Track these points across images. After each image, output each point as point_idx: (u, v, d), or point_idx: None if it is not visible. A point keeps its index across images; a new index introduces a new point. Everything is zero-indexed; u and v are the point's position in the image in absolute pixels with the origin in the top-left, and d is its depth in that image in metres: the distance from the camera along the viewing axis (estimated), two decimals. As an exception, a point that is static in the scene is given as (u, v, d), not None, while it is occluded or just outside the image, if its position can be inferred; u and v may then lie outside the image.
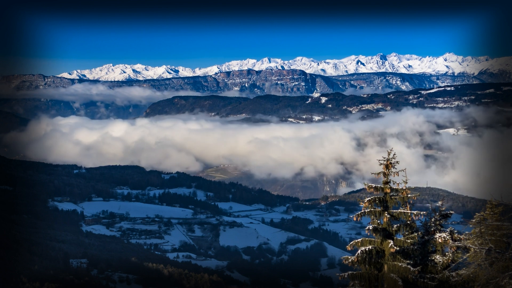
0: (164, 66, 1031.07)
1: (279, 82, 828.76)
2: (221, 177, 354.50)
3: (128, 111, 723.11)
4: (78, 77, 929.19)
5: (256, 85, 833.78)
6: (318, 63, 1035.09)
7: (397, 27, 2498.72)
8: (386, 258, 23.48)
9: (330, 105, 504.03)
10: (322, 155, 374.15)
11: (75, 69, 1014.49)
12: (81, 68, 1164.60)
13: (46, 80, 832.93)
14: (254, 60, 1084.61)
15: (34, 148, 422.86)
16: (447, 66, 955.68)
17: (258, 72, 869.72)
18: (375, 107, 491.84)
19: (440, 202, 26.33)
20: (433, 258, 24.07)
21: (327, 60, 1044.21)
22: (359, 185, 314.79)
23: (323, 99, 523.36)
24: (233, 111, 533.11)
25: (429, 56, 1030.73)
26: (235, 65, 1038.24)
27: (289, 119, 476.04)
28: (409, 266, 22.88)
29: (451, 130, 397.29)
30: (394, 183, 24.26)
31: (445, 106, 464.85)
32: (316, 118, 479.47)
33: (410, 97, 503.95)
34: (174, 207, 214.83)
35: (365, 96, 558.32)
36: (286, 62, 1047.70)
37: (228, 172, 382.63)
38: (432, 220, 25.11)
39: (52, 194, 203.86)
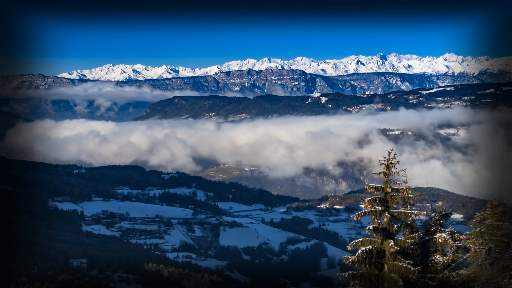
0: (164, 66, 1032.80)
1: (279, 82, 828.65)
2: (221, 177, 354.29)
3: (128, 111, 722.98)
4: (78, 77, 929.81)
5: (256, 85, 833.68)
6: (318, 63, 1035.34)
7: (397, 27, 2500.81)
8: (387, 258, 23.50)
9: (330, 105, 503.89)
10: (322, 155, 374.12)
11: (75, 69, 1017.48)
12: (81, 68, 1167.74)
13: (46, 80, 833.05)
14: (254, 60, 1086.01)
15: (34, 148, 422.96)
16: (447, 66, 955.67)
17: (258, 72, 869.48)
18: (375, 107, 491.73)
19: (440, 202, 26.36)
20: (434, 258, 24.10)
21: (327, 60, 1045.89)
22: (359, 185, 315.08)
23: (323, 99, 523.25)
24: (233, 111, 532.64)
25: (429, 56, 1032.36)
26: (235, 65, 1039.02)
27: (289, 119, 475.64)
28: (409, 266, 22.91)
29: (451, 130, 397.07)
30: (394, 183, 24.30)
31: (445, 106, 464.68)
32: (316, 118, 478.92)
33: (410, 97, 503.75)
34: (174, 207, 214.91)
35: (365, 96, 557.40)
36: (286, 62, 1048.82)
37: (228, 172, 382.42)
38: (432, 220, 25.14)
39: (52, 194, 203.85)
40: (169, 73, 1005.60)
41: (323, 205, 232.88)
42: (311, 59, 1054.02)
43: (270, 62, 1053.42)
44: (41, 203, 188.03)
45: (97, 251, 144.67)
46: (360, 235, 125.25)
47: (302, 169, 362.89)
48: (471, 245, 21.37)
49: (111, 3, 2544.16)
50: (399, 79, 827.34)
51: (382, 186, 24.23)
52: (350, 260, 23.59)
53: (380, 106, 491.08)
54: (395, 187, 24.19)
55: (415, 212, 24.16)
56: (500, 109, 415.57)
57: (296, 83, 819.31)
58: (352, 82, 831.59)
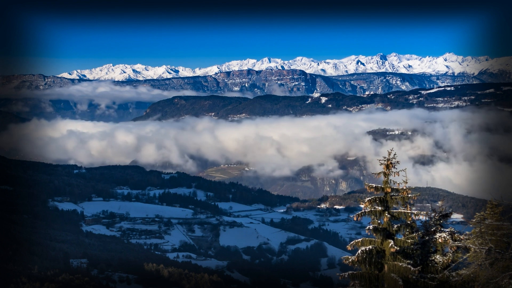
0: (164, 66, 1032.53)
1: (279, 82, 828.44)
2: (221, 177, 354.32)
3: (128, 111, 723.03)
4: (78, 77, 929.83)
5: (256, 85, 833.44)
6: (318, 63, 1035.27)
7: (397, 27, 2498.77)
8: (387, 258, 23.50)
9: (330, 105, 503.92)
10: (322, 155, 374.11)
11: (75, 69, 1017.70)
12: (81, 68, 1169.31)
13: (46, 80, 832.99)
14: (254, 60, 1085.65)
15: (34, 148, 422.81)
16: (447, 66, 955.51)
17: (258, 72, 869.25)
18: (375, 107, 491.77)
19: (440, 202, 26.35)
20: (433, 258, 24.09)
21: (327, 60, 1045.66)
22: (359, 185, 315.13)
23: (323, 99, 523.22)
24: (233, 111, 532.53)
25: (429, 56, 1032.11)
26: (235, 65, 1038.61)
27: (289, 119, 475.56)
28: (409, 266, 22.90)
29: (451, 130, 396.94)
30: (394, 183, 24.29)
31: (445, 106, 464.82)
32: (316, 118, 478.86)
33: (410, 97, 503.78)
34: (174, 207, 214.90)
35: (365, 96, 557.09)
36: (286, 62, 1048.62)
37: (228, 172, 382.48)
38: (432, 220, 25.13)
39: (52, 194, 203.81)
40: (169, 73, 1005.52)
41: (323, 205, 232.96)
42: (311, 59, 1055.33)
43: (270, 62, 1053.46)
44: (41, 203, 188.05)
45: (97, 251, 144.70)
46: (360, 235, 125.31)
47: (302, 169, 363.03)
48: (471, 245, 21.37)
49: (111, 3, 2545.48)
50: (399, 79, 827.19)
51: (382, 186, 24.23)
52: (350, 260, 23.59)
53: (380, 106, 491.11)
54: (395, 187, 24.19)
55: (415, 212, 24.16)
56: (500, 109, 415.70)
57: (296, 83, 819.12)
58: (352, 82, 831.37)
